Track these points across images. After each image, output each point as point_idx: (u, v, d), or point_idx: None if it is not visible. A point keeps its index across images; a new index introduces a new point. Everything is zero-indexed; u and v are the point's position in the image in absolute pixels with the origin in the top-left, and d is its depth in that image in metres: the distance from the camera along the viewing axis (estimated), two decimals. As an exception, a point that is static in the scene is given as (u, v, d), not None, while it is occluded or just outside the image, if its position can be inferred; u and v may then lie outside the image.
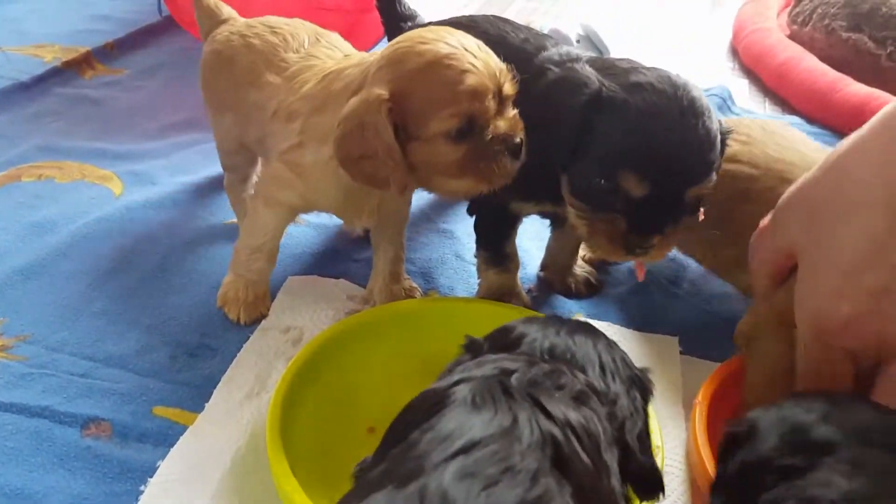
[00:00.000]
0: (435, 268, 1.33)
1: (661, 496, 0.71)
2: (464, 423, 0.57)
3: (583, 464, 0.59)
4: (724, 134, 0.99)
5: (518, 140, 0.97)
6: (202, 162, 1.56)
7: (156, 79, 1.93)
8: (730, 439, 0.73)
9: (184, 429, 0.99)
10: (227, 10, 1.29)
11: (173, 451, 0.96)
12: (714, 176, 0.96)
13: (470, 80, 0.93)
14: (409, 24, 1.32)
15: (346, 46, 1.17)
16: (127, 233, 1.36)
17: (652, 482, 0.70)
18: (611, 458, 0.64)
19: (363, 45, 1.99)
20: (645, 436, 0.73)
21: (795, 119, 1.95)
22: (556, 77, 0.99)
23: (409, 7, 1.35)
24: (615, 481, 0.63)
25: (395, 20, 1.34)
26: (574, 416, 0.62)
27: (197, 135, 1.65)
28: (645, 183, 0.92)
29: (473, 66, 0.93)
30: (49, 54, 1.97)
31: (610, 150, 0.94)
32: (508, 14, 2.57)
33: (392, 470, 0.55)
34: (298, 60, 1.12)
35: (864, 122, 1.93)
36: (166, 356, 1.10)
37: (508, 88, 0.97)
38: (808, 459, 0.64)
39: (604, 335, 0.80)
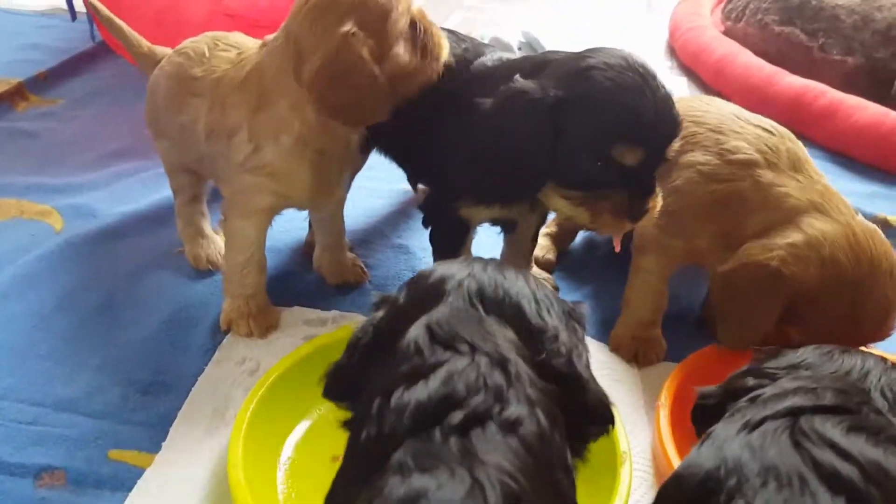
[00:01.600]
0: (392, 284, 1.32)
1: (611, 427, 0.70)
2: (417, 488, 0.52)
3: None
4: None
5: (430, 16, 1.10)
6: (143, 191, 1.52)
7: (92, 107, 1.88)
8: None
9: (142, 471, 0.96)
10: (161, 50, 1.30)
11: (132, 495, 0.93)
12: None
13: None
14: None
15: (242, 41, 1.21)
16: (70, 269, 1.31)
17: (605, 411, 0.70)
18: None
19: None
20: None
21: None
22: (502, 100, 0.99)
23: None
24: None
25: None
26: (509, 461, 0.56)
27: (137, 163, 1.61)
28: (637, 150, 0.97)
29: None
30: (-22, 88, 1.90)
31: (597, 134, 0.97)
32: (450, 23, 2.58)
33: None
34: (205, 73, 1.15)
35: (801, 113, 1.99)
36: (119, 396, 1.07)
37: None
38: None
39: (527, 271, 0.80)
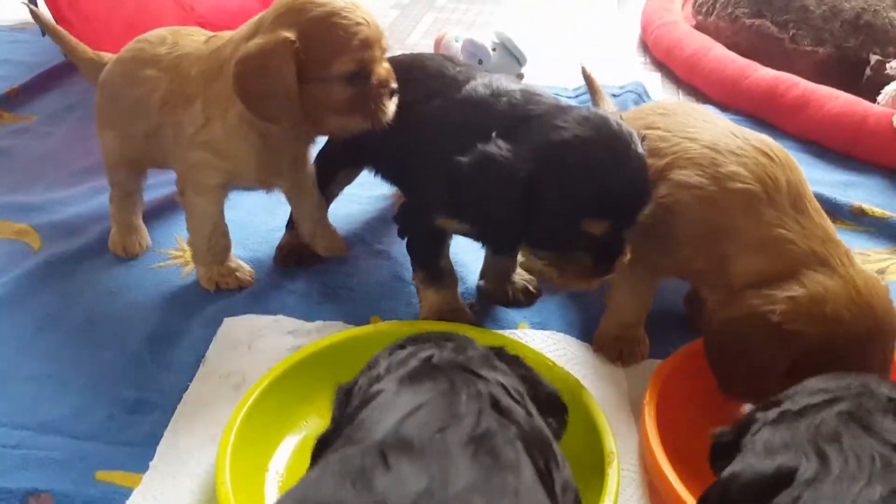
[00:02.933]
0: (375, 292, 1.32)
1: (566, 416, 0.80)
2: (407, 396, 0.64)
3: (517, 411, 0.66)
4: (642, 140, 1.04)
5: (394, 85, 1.13)
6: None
7: (66, 122, 1.86)
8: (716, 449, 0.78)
9: (130, 491, 0.95)
10: (107, 56, 1.36)
11: (121, 516, 0.92)
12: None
13: (363, 31, 1.09)
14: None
15: (207, 34, 1.26)
16: (51, 288, 1.30)
17: (558, 405, 0.80)
18: (533, 407, 0.72)
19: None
20: None
21: (709, 108, 2.01)
22: (476, 163, 1.00)
23: None
24: (541, 422, 0.70)
25: None
26: (502, 377, 0.70)
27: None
28: (605, 222, 1.00)
29: (365, 20, 1.10)
30: (-51, 106, 1.88)
31: (567, 208, 0.99)
32: (423, 24, 2.58)
33: (346, 439, 0.61)
34: (170, 51, 1.22)
35: (774, 104, 2.01)
36: (104, 416, 1.06)
37: (385, 44, 1.14)
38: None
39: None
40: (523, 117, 1.03)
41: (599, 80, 2.03)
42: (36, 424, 1.05)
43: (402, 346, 0.80)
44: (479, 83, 1.12)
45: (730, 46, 2.15)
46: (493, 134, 1.01)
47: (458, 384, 0.66)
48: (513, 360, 0.81)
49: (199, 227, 1.25)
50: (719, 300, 1.03)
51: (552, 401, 0.79)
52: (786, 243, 1.00)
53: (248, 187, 1.32)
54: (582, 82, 1.78)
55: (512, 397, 0.68)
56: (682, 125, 1.14)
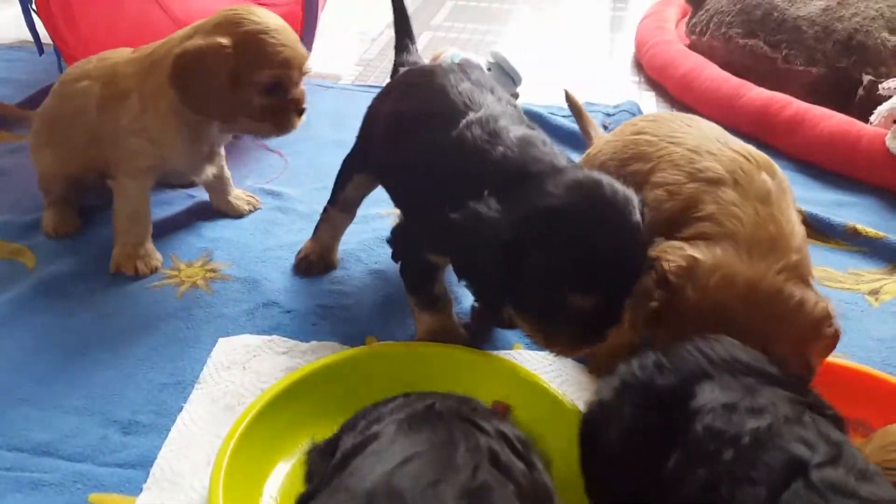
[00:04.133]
0: (370, 312, 1.32)
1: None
2: (402, 444, 0.61)
3: (518, 466, 0.63)
4: (642, 206, 1.01)
5: (304, 106, 1.32)
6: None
7: (62, 141, 1.86)
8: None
9: (123, 515, 0.95)
10: None
11: (114, 540, 0.92)
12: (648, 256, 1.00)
13: (287, 52, 1.27)
14: (406, 67, 1.39)
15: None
16: (45, 309, 1.30)
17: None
18: (537, 454, 0.70)
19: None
20: None
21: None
22: (465, 220, 0.99)
23: (414, 56, 1.44)
24: (545, 477, 0.68)
25: (398, 65, 1.44)
26: (504, 427, 0.68)
27: (107, 197, 1.59)
28: (592, 297, 0.96)
29: (290, 44, 1.27)
30: (-55, 124, 1.88)
31: (551, 278, 0.96)
32: (419, 44, 2.59)
33: (335, 485, 0.58)
34: (98, 64, 1.40)
35: (768, 124, 2.02)
36: (98, 438, 1.06)
37: (306, 69, 1.31)
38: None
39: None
40: (517, 176, 1.01)
41: (593, 99, 2.05)
42: (29, 446, 1.04)
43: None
44: (476, 120, 1.09)
45: (723, 66, 2.16)
46: (486, 192, 0.99)
47: (457, 435, 0.63)
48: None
49: (123, 207, 1.38)
50: None
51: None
52: (733, 219, 1.01)
53: (178, 173, 1.51)
54: (577, 102, 1.79)
55: (515, 449, 0.66)
56: (670, 130, 1.16)
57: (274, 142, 1.85)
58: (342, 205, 1.39)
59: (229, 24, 1.25)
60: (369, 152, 1.32)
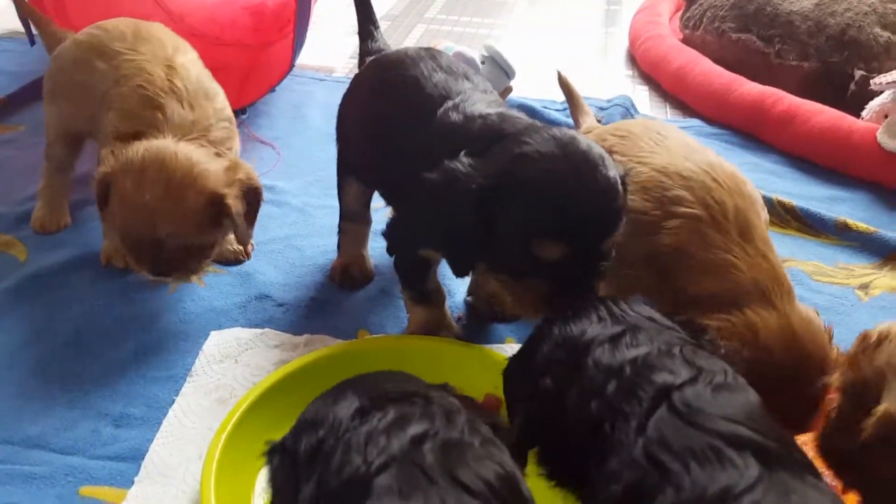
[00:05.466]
0: (362, 306, 1.32)
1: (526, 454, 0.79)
2: None
3: None
4: (624, 175, 1.01)
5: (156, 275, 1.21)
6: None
7: (54, 133, 1.86)
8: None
9: (114, 507, 0.95)
10: (68, 34, 1.50)
11: (105, 532, 0.92)
12: (623, 220, 0.98)
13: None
14: (373, 56, 1.35)
15: (164, 34, 1.38)
16: (36, 301, 1.30)
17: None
18: (523, 483, 0.68)
19: (267, 79, 1.97)
20: None
21: (695, 122, 2.03)
22: (438, 179, 0.99)
23: (380, 43, 1.40)
24: None
25: (364, 54, 1.40)
26: (491, 472, 0.64)
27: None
28: (559, 246, 0.94)
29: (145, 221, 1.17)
30: (-64, 116, 1.87)
31: (520, 226, 0.95)
32: (413, 36, 2.59)
33: None
34: (125, 52, 1.31)
35: (760, 119, 2.01)
36: (89, 431, 1.06)
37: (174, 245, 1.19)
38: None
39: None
40: (496, 137, 1.01)
41: (587, 93, 2.04)
42: (20, 439, 1.04)
43: (378, 408, 0.71)
44: (453, 106, 1.08)
45: (716, 61, 2.17)
46: (463, 152, 0.99)
47: None
48: (470, 403, 0.78)
49: None
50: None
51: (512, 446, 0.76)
52: (731, 268, 1.02)
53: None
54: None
55: (505, 501, 0.64)
56: (636, 148, 1.15)
57: (266, 134, 1.86)
58: (351, 215, 1.37)
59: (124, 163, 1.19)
60: (349, 158, 1.31)
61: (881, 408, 0.82)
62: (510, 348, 1.22)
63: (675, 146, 1.16)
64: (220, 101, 1.33)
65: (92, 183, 1.23)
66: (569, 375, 0.77)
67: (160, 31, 1.38)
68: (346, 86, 1.35)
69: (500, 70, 1.99)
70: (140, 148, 1.17)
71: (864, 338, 0.90)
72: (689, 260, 1.03)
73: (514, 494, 0.65)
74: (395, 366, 1.07)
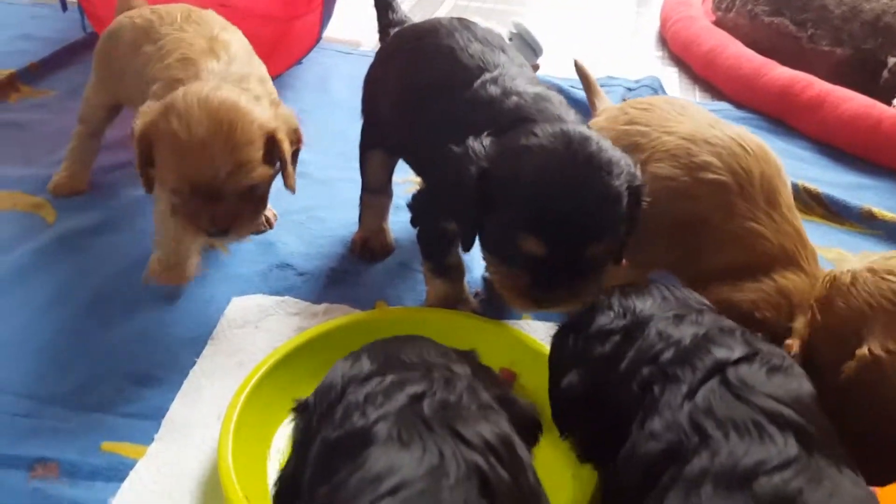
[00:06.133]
0: (381, 278, 1.34)
1: (540, 434, 0.78)
2: (393, 462, 0.60)
3: (505, 483, 0.62)
4: (637, 185, 0.99)
5: (219, 227, 1.11)
6: (134, 183, 1.52)
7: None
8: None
9: (135, 462, 0.98)
10: (140, 2, 1.47)
11: (124, 486, 0.95)
12: (619, 231, 0.97)
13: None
14: (397, 28, 1.34)
15: (213, 18, 1.33)
16: (64, 262, 1.32)
17: (533, 424, 0.77)
18: (521, 447, 0.69)
19: (294, 51, 1.98)
20: None
21: (724, 105, 2.01)
22: (450, 157, 1.00)
23: (400, 14, 1.39)
24: (530, 475, 0.68)
25: (386, 26, 1.39)
26: (488, 430, 0.66)
27: (127, 155, 1.61)
28: (541, 244, 0.95)
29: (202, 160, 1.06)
30: (-30, 79, 1.90)
31: (509, 215, 0.97)
32: (441, 12, 2.58)
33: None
34: (171, 32, 1.27)
35: (789, 103, 1.99)
36: (112, 389, 1.09)
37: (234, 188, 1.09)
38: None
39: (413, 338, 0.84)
40: (519, 121, 1.01)
41: (615, 73, 2.03)
42: (46, 395, 1.07)
43: (379, 374, 0.73)
44: (492, 79, 1.08)
45: (748, 44, 2.14)
46: (486, 133, 1.00)
47: (448, 458, 0.61)
48: (487, 374, 0.80)
49: (162, 206, 1.22)
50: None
51: (526, 420, 0.76)
52: (758, 238, 1.02)
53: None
54: (595, 76, 1.77)
55: (500, 458, 0.65)
56: (662, 119, 1.15)
57: (292, 107, 1.84)
58: (372, 188, 1.37)
59: (154, 112, 1.11)
60: (379, 130, 1.31)
61: (862, 350, 0.83)
62: (526, 324, 1.23)
63: (700, 117, 1.16)
64: (260, 69, 1.28)
65: (130, 141, 1.17)
66: (626, 343, 0.80)
67: (210, 16, 1.35)
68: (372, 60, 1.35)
69: (527, 47, 1.98)
70: (179, 93, 1.09)
71: (835, 279, 0.91)
72: (716, 231, 1.04)
73: (511, 455, 0.66)
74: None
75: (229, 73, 1.18)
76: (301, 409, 0.76)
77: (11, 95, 1.87)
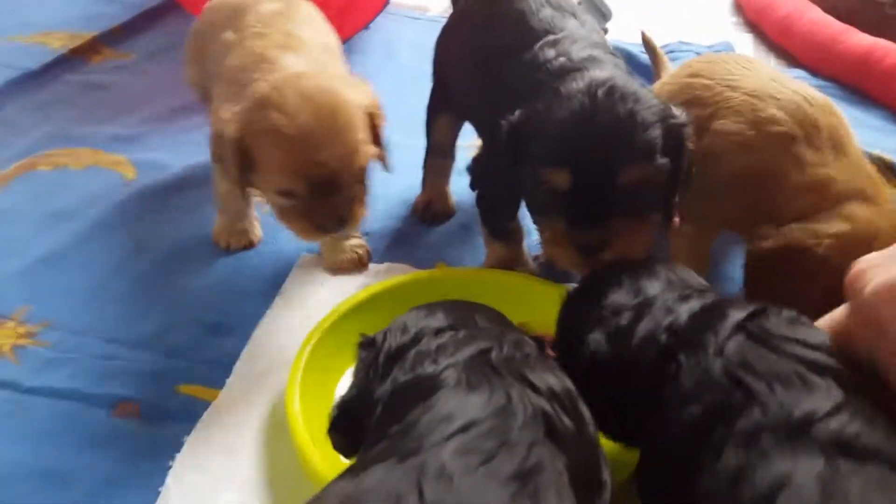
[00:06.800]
0: (442, 240, 1.36)
1: None
2: (463, 403, 0.62)
3: (569, 430, 0.64)
4: (676, 123, 0.96)
5: (340, 218, 1.07)
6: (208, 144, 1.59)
7: (162, 62, 1.94)
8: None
9: (207, 405, 1.04)
10: None
11: (198, 426, 1.01)
12: (653, 161, 0.93)
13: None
14: None
15: (309, 15, 1.26)
16: (142, 217, 1.39)
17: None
18: (583, 405, 0.71)
19: (361, 16, 2.00)
20: None
21: (800, 73, 1.94)
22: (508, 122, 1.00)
23: None
24: (591, 429, 0.70)
25: None
26: (554, 381, 0.68)
27: (204, 117, 1.65)
28: (566, 173, 0.92)
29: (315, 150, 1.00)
30: (56, 41, 1.98)
31: (534, 158, 0.96)
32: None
33: (393, 447, 0.60)
34: (254, 24, 1.18)
35: (867, 71, 1.91)
36: (187, 336, 1.15)
37: (349, 174, 1.04)
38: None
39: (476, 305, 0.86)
40: (567, 73, 1.00)
41: (687, 38, 1.99)
42: (126, 339, 1.14)
43: (451, 329, 0.77)
44: (549, 42, 1.07)
45: (827, 10, 2.06)
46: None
47: (515, 401, 0.63)
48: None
49: (220, 179, 1.24)
50: (763, 234, 1.04)
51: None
52: (830, 182, 1.01)
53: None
54: (666, 41, 1.75)
55: (564, 406, 0.66)
56: (725, 73, 1.14)
57: (358, 72, 1.88)
58: (437, 151, 1.39)
59: (253, 110, 1.04)
60: (448, 93, 1.32)
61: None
62: (585, 288, 1.24)
63: (763, 71, 1.16)
64: (335, 60, 1.22)
65: (210, 140, 1.13)
66: (638, 320, 0.79)
67: (305, 10, 1.28)
68: (440, 25, 1.36)
69: (596, 11, 1.96)
70: (265, 86, 1.02)
71: None
72: (784, 180, 1.03)
73: (575, 407, 0.68)
74: (471, 296, 1.11)
75: (307, 63, 1.11)
76: (367, 345, 0.80)
77: (94, 57, 1.95)
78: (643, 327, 0.78)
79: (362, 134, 1.05)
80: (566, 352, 0.86)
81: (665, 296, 0.80)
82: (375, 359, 0.77)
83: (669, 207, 1.02)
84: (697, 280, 0.87)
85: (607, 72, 0.99)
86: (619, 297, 0.83)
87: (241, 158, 1.04)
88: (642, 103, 0.94)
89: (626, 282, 0.84)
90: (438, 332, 0.77)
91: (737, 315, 0.72)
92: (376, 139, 1.11)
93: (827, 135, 1.05)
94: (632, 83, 0.98)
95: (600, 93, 0.93)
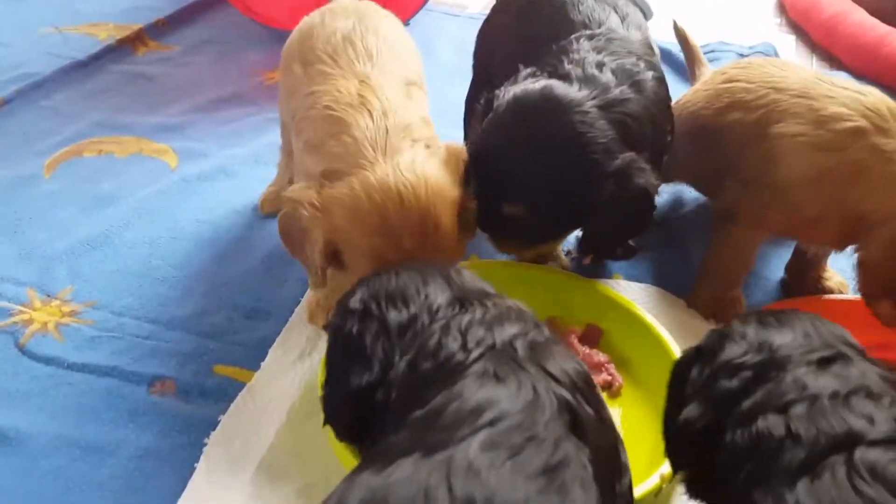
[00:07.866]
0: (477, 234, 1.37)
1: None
2: (492, 395, 0.63)
3: (591, 418, 0.66)
4: (599, 171, 0.97)
5: None
6: (249, 134, 1.62)
7: (205, 54, 1.98)
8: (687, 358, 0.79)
9: (242, 386, 1.06)
10: None
11: (233, 406, 1.03)
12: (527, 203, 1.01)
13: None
14: None
15: (385, 35, 1.13)
16: (183, 204, 1.42)
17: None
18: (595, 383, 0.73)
19: (401, 13, 1.99)
20: None
21: (843, 75, 1.92)
22: None
23: None
24: (607, 412, 0.71)
25: None
26: (571, 367, 0.69)
27: (244, 108, 1.71)
28: (474, 181, 1.00)
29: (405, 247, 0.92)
30: (103, 32, 2.03)
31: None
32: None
33: (419, 438, 0.60)
34: (322, 55, 1.08)
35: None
36: (224, 319, 1.18)
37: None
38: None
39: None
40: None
41: (729, 38, 1.97)
42: (165, 320, 1.17)
43: (463, 302, 0.77)
44: (588, 35, 1.08)
45: (873, 12, 2.03)
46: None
47: (542, 394, 0.63)
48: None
49: None
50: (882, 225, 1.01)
51: None
52: None
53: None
54: (706, 41, 1.73)
55: (584, 394, 0.67)
56: (765, 75, 1.13)
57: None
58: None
59: (333, 205, 0.94)
60: (490, 79, 1.32)
61: None
62: (616, 284, 1.24)
63: (802, 72, 1.14)
64: (419, 104, 1.12)
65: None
66: (756, 382, 0.70)
67: (381, 26, 1.16)
68: (479, 23, 1.37)
69: (636, 6, 1.94)
70: (356, 185, 0.92)
71: None
72: (869, 174, 1.01)
73: (590, 390, 0.70)
74: (504, 290, 1.12)
75: (388, 128, 0.98)
76: (344, 313, 0.80)
77: (139, 48, 2.00)
78: (757, 397, 0.69)
79: (450, 226, 0.96)
80: (667, 418, 0.80)
81: (799, 357, 0.71)
82: (378, 331, 0.76)
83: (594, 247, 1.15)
84: (845, 338, 0.75)
85: (578, 95, 0.99)
86: (739, 351, 0.74)
87: (329, 258, 0.97)
88: (576, 145, 0.97)
89: (752, 332, 0.75)
90: (457, 305, 0.76)
91: (857, 426, 0.63)
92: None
93: (892, 119, 1.02)
94: (572, 118, 0.98)
95: (520, 127, 1.00)
